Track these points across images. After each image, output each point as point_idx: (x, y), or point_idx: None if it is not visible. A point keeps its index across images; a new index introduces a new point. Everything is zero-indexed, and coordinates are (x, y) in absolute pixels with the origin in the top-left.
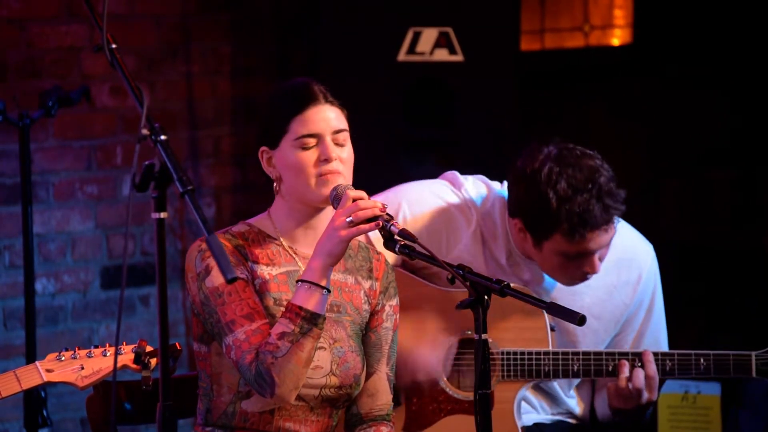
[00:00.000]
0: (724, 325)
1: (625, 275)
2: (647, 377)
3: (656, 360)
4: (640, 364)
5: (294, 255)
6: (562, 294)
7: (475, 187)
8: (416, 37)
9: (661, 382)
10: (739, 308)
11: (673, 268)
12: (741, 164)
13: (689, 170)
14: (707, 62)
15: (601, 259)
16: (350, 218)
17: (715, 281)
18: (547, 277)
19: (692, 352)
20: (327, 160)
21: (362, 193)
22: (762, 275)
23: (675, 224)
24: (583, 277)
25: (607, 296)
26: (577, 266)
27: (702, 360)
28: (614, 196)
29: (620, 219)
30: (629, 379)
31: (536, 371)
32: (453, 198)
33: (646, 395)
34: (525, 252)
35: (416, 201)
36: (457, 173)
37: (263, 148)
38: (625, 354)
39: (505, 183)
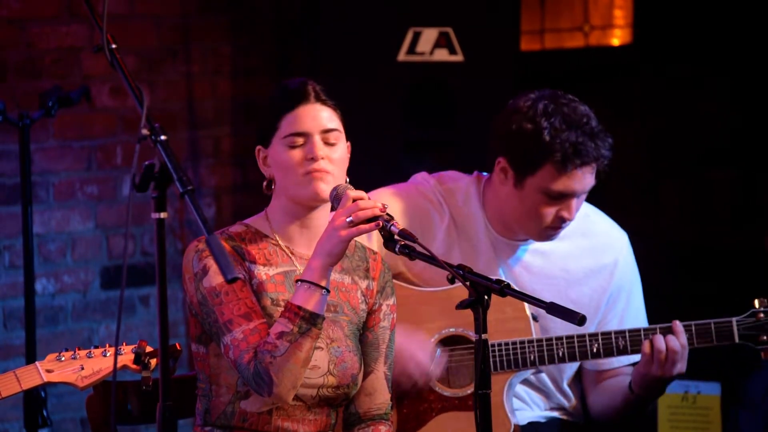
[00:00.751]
0: None
1: (602, 260)
2: (682, 346)
3: (641, 335)
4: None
5: (291, 255)
6: (538, 277)
7: (444, 180)
8: (416, 37)
9: None
10: (739, 308)
11: (673, 268)
12: (741, 164)
13: (689, 170)
14: (707, 62)
15: (576, 209)
16: (350, 218)
17: (715, 281)
18: (524, 258)
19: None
20: (313, 159)
21: (362, 193)
22: (762, 275)
23: (675, 224)
24: (557, 227)
25: (585, 280)
26: (556, 210)
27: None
28: (605, 140)
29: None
30: (667, 346)
31: (522, 360)
32: (424, 196)
33: (678, 365)
34: (499, 203)
35: (391, 205)
36: (425, 173)
37: (259, 147)
38: (622, 332)
39: (476, 172)
